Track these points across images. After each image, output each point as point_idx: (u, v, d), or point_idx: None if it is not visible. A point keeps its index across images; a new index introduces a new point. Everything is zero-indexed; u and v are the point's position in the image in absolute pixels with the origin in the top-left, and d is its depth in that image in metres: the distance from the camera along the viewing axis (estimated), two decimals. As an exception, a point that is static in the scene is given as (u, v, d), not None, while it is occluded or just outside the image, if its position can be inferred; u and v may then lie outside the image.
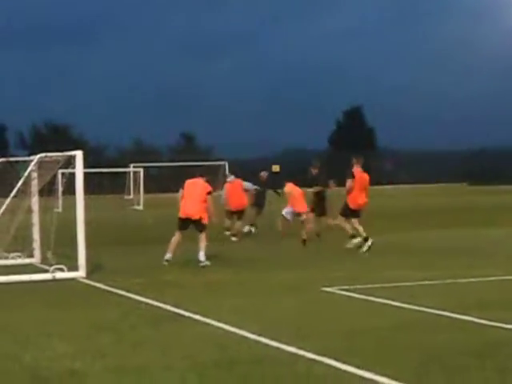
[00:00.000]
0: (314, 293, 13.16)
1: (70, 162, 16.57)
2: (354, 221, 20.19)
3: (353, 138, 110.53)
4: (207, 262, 17.46)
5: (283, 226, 22.40)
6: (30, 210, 18.38)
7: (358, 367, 7.97)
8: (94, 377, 8.03)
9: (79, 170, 16.23)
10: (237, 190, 25.03)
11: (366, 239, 19.78)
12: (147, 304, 12.49)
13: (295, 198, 22.01)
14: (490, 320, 10.25)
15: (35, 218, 18.49)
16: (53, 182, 18.29)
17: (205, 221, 17.78)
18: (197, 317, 11.10)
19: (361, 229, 20.04)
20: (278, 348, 9.03)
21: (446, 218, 32.89)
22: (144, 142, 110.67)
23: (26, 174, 16.76)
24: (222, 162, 75.33)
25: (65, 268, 15.69)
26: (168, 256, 17.70)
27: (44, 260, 17.69)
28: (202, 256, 17.56)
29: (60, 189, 27.56)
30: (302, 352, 8.72)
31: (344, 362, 8.18)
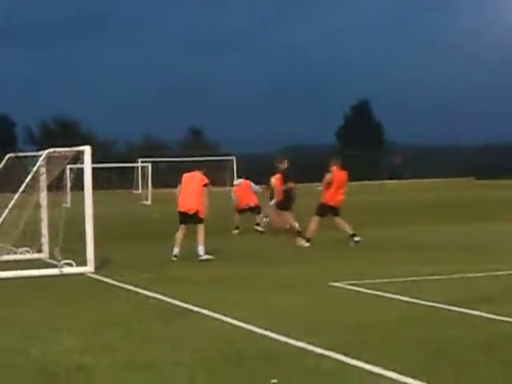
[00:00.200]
0: (322, 287, 13.15)
1: (78, 158, 16.59)
2: (337, 218, 20.15)
3: (360, 133, 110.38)
4: (207, 257, 17.48)
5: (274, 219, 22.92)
6: (38, 206, 18.41)
7: (367, 362, 7.98)
8: (102, 372, 8.05)
9: (87, 166, 16.25)
10: (246, 191, 25.57)
11: (307, 238, 19.87)
12: (155, 299, 12.50)
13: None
14: (498, 314, 10.24)
15: (44, 214, 18.53)
16: (61, 177, 18.33)
17: (202, 214, 17.82)
18: (205, 312, 11.11)
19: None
20: (286, 343, 9.03)
21: (453, 212, 32.86)
22: (153, 137, 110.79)
23: (34, 169, 16.78)
24: (230, 157, 75.36)
25: (73, 263, 15.73)
26: (176, 251, 17.72)
27: (52, 255, 17.72)
28: (200, 250, 17.60)
29: (68, 184, 27.62)
30: (310, 347, 8.72)
31: (352, 357, 8.18)
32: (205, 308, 11.31)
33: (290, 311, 11.14)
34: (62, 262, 15.70)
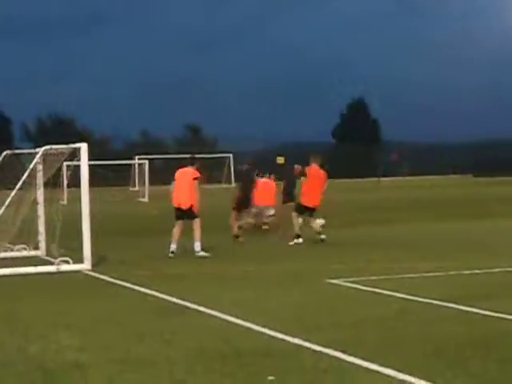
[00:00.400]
0: (319, 284, 13.16)
1: (74, 155, 16.58)
2: (310, 219, 20.16)
3: (357, 131, 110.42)
4: (203, 253, 17.49)
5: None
6: (35, 203, 18.40)
7: (364, 359, 7.98)
8: (99, 369, 8.05)
9: (84, 163, 16.24)
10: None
11: (298, 236, 19.81)
12: (152, 296, 12.50)
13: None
14: (495, 311, 10.25)
15: (40, 211, 18.51)
16: (58, 174, 18.29)
17: (195, 208, 17.84)
18: (202, 309, 11.12)
19: (297, 225, 19.97)
20: (283, 340, 9.04)
21: (450, 209, 32.88)
22: (150, 134, 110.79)
23: (31, 166, 16.76)
24: (228, 155, 75.37)
25: (70, 260, 15.72)
26: (173, 247, 17.74)
27: (49, 252, 17.71)
28: (197, 246, 17.64)
29: (65, 181, 27.58)
30: (307, 344, 8.73)
31: (349, 354, 8.19)
32: (202, 305, 11.31)
33: (288, 308, 11.15)
34: (59, 259, 15.68)
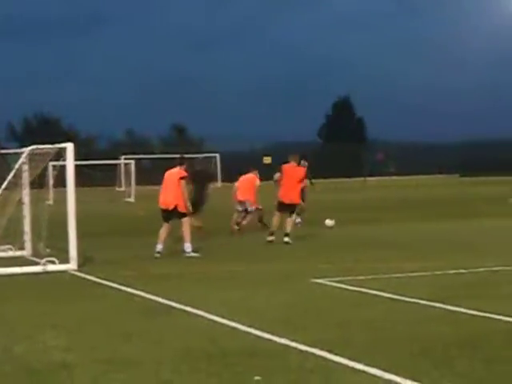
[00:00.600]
0: (306, 284, 13.17)
1: (60, 155, 16.54)
2: (288, 219, 20.10)
3: (342, 130, 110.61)
4: (194, 254, 17.48)
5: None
6: (21, 203, 18.34)
7: (350, 359, 7.99)
8: (86, 369, 8.02)
9: (70, 162, 16.20)
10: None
11: (271, 233, 19.91)
12: (138, 296, 12.48)
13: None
14: (480, 311, 10.28)
15: (26, 211, 18.46)
16: (44, 174, 18.25)
17: (182, 208, 17.76)
18: (188, 309, 11.10)
19: (274, 222, 20.05)
20: (269, 340, 9.03)
21: (436, 209, 32.97)
22: (135, 134, 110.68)
23: (16, 166, 16.72)
24: (214, 154, 75.30)
25: (56, 260, 15.68)
26: (159, 248, 17.72)
27: (35, 252, 17.66)
28: (187, 247, 17.62)
29: (51, 181, 27.51)
30: (293, 344, 8.73)
31: (336, 354, 8.19)
32: (188, 305, 11.30)
33: (274, 308, 11.15)
34: (45, 259, 15.63)
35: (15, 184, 17.36)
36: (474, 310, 10.38)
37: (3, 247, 18.35)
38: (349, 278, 13.59)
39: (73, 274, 15.34)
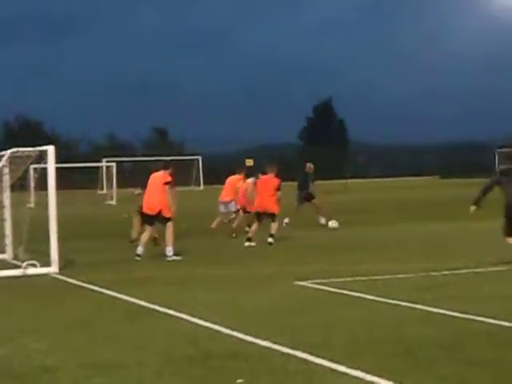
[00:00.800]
0: (288, 287, 13.17)
1: (41, 157, 16.48)
2: (272, 224, 20.43)
3: (324, 132, 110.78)
4: (175, 257, 17.44)
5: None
6: (1, 206, 18.26)
7: (332, 361, 7.99)
8: (68, 373, 7.99)
9: (51, 165, 16.14)
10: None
11: (249, 239, 20.29)
12: (120, 299, 12.45)
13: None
14: (462, 312, 10.31)
15: (7, 214, 18.37)
16: (25, 177, 18.17)
17: (166, 213, 17.71)
18: (170, 312, 11.08)
19: (253, 228, 20.56)
20: (252, 343, 9.03)
21: (417, 211, 33.06)
22: (116, 137, 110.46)
23: (-3, 169, 16.62)
24: (196, 157, 75.25)
25: (37, 264, 15.61)
26: (139, 250, 17.68)
27: (16, 256, 17.58)
28: (168, 251, 17.56)
29: (32, 184, 27.41)
30: (276, 346, 8.73)
31: (318, 356, 8.19)
32: (170, 308, 11.28)
33: (256, 311, 11.14)
34: (26, 262, 15.56)
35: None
36: (455, 311, 10.42)
37: (-16, 251, 18.24)
38: (331, 280, 13.60)
39: (54, 278, 15.28)
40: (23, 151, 16.93)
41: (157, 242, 19.69)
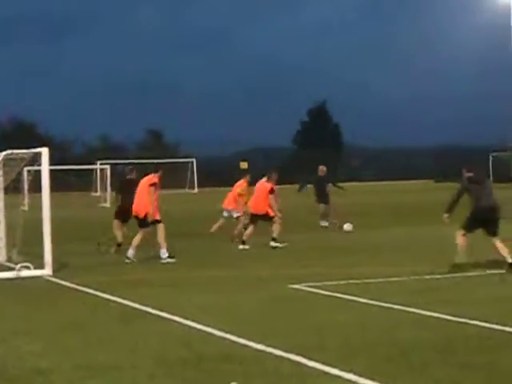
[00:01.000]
0: (282, 290, 13.18)
1: (35, 159, 16.46)
2: (273, 226, 20.54)
3: (318, 136, 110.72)
4: (170, 259, 17.45)
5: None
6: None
7: (325, 364, 8.01)
8: (61, 375, 8.00)
9: (45, 167, 16.13)
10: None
11: (243, 242, 20.33)
12: (114, 302, 12.45)
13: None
14: (455, 316, 10.34)
15: (0, 216, 18.34)
16: (18, 179, 18.14)
17: (155, 215, 17.69)
18: (164, 314, 11.09)
19: (247, 231, 20.76)
20: (245, 345, 9.04)
21: (411, 215, 33.08)
22: (110, 138, 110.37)
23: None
24: (190, 159, 75.22)
25: (31, 266, 15.59)
26: (130, 253, 17.67)
27: (10, 258, 17.57)
28: (162, 253, 17.57)
29: (26, 186, 27.39)
30: (269, 349, 8.74)
31: (311, 359, 8.21)
32: (163, 310, 11.28)
33: (250, 313, 11.15)
34: (20, 264, 15.55)
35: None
36: (448, 314, 10.44)
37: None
38: (325, 283, 13.62)
39: (48, 280, 15.27)
40: (17, 153, 16.91)
41: (153, 243, 19.77)
